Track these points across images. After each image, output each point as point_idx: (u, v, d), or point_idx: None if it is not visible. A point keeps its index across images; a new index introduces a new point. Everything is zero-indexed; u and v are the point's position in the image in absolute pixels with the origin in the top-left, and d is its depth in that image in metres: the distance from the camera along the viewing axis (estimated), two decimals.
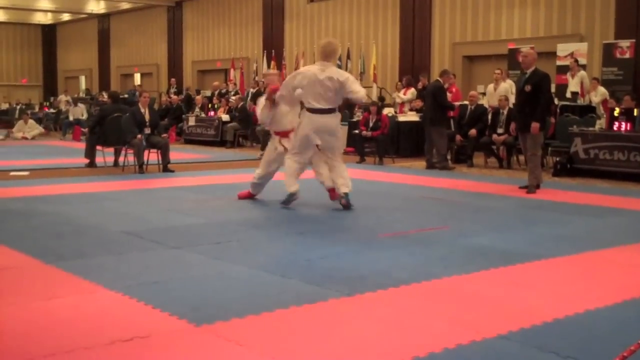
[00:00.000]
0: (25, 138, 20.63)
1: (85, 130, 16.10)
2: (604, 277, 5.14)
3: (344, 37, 22.24)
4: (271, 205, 8.23)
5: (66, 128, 21.67)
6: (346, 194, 7.87)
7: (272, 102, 8.26)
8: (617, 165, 11.19)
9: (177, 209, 7.98)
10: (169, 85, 25.94)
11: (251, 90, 19.42)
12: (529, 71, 9.61)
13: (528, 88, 9.48)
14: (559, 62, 16.08)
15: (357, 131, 14.15)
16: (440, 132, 12.84)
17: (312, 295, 4.42)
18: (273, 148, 8.51)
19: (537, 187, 9.72)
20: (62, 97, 27.68)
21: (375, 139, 13.62)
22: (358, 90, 7.92)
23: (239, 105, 18.42)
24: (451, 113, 13.92)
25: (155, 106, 21.57)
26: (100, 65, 34.60)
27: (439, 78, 13.42)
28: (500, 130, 12.96)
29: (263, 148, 14.76)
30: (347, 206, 7.85)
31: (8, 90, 35.40)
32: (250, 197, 8.67)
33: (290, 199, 8.00)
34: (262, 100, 8.58)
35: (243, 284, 4.76)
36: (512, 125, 10.25)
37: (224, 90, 21.81)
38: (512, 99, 14.50)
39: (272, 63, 23.08)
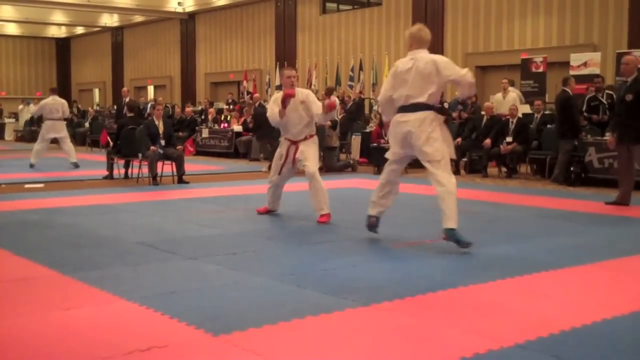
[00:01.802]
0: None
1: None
2: (622, 286, 5.11)
3: (356, 49, 22.33)
4: (285, 217, 8.24)
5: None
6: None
7: (284, 106, 7.86)
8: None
9: (193, 220, 8.01)
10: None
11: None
12: (630, 79, 9.13)
13: (629, 97, 8.97)
14: (572, 72, 16.03)
15: (375, 144, 14.09)
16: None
17: (329, 305, 4.42)
18: (279, 156, 8.13)
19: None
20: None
21: None
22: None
23: (257, 105, 18.16)
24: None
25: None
26: (113, 77, 34.83)
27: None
28: (508, 139, 12.99)
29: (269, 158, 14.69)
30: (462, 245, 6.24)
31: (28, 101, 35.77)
32: (267, 212, 8.40)
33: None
34: (274, 97, 8.25)
35: (259, 294, 4.77)
36: (610, 138, 9.53)
37: (230, 100, 22.06)
38: (521, 109, 14.50)
39: None
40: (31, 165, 14.95)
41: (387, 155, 6.65)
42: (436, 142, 6.23)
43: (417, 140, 6.24)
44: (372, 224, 6.83)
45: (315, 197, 7.90)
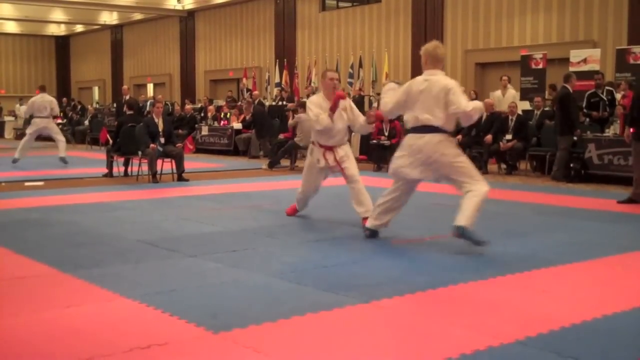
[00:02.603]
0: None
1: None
2: (622, 283, 5.12)
3: (356, 46, 22.30)
4: (284, 214, 8.22)
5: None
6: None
7: (334, 110, 7.43)
8: (632, 171, 11.10)
9: (193, 218, 8.01)
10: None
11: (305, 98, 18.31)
12: None
13: None
14: (572, 68, 16.02)
15: (375, 141, 14.12)
16: None
17: (329, 303, 4.42)
18: (315, 161, 7.71)
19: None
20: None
21: (391, 146, 13.62)
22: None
23: (256, 102, 18.14)
24: None
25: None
26: (113, 75, 34.80)
27: None
28: (508, 137, 13.00)
29: (271, 160, 14.68)
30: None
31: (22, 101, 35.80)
32: (295, 213, 8.17)
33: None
34: (313, 99, 7.81)
35: (259, 292, 4.77)
36: (628, 131, 9.48)
37: (229, 99, 22.07)
38: (520, 106, 14.51)
39: (285, 72, 23.14)
40: (14, 161, 14.93)
41: (401, 173, 6.45)
42: (458, 156, 6.20)
43: (439, 156, 6.14)
44: (370, 236, 6.72)
45: (359, 199, 7.51)
